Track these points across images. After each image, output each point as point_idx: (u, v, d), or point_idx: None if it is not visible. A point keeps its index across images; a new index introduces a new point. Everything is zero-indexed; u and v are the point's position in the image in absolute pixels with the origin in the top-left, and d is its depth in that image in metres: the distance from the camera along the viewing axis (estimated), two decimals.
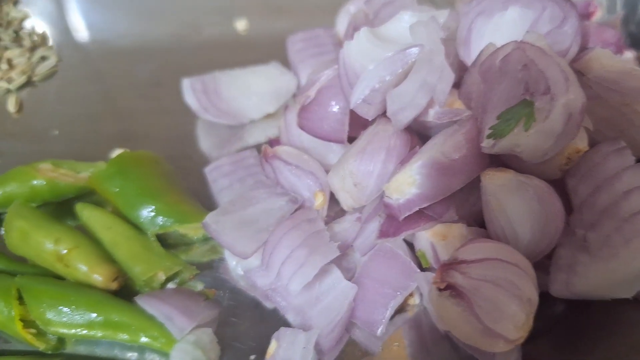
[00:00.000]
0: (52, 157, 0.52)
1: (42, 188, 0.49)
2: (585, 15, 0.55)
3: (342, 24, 0.58)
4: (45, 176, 0.49)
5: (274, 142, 0.52)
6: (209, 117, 0.54)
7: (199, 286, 0.47)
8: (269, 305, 0.46)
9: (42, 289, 0.44)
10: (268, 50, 0.61)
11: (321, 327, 0.43)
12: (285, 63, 0.59)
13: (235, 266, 0.47)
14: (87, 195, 0.51)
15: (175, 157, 0.54)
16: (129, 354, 0.44)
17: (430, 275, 0.41)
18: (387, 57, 0.42)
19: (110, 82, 0.59)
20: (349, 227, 0.47)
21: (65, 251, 0.45)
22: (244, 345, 0.44)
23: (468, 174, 0.41)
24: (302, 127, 0.48)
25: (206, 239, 0.49)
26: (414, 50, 0.42)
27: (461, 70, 0.47)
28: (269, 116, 0.55)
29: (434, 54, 0.42)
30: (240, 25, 0.63)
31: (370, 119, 0.44)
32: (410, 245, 0.45)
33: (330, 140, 0.48)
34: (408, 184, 0.41)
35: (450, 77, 0.43)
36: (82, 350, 0.44)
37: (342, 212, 0.48)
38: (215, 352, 0.43)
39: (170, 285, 0.46)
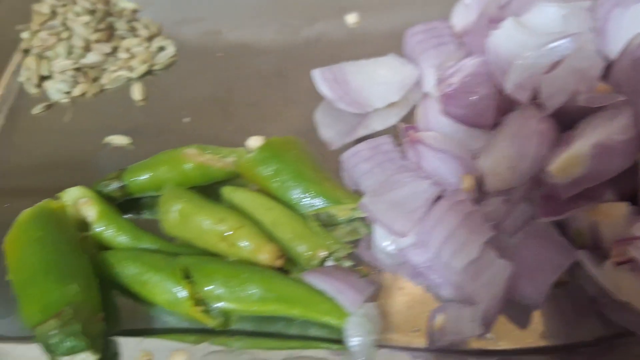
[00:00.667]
0: (187, 144, 0.53)
1: (192, 172, 0.50)
2: None
3: (458, 17, 0.61)
4: (194, 160, 0.50)
5: (409, 129, 0.54)
6: (342, 106, 0.55)
7: (348, 265, 0.48)
8: (415, 283, 0.48)
9: (212, 267, 0.45)
10: (380, 43, 0.63)
11: (483, 301, 0.45)
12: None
13: (385, 246, 0.49)
14: (230, 180, 0.52)
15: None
16: (292, 330, 0.45)
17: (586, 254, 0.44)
18: (542, 49, 0.45)
19: (233, 73, 0.60)
20: (496, 209, 0.49)
21: (230, 231, 0.46)
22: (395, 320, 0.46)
23: (631, 155, 0.43)
24: (447, 114, 0.50)
25: (350, 221, 0.51)
26: (568, 39, 0.45)
27: None
28: (391, 105, 0.57)
29: (585, 43, 0.45)
30: (351, 19, 0.64)
31: (524, 102, 0.47)
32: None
33: (476, 126, 0.50)
34: (575, 165, 0.43)
35: (599, 64, 0.46)
36: (247, 326, 0.46)
37: (483, 195, 0.50)
38: (381, 325, 0.45)
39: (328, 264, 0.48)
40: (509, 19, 0.47)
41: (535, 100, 0.47)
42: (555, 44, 0.45)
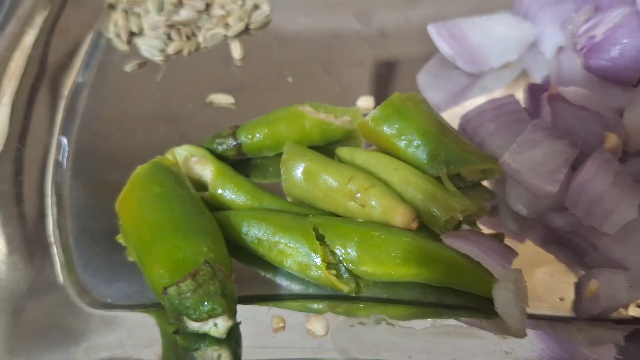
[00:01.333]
0: (293, 102, 0.50)
1: (312, 130, 0.47)
2: None
3: None
4: (313, 118, 0.47)
5: (536, 86, 0.51)
6: (460, 63, 0.52)
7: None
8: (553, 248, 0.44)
9: (347, 227, 0.42)
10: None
11: (635, 266, 0.41)
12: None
13: (520, 209, 0.45)
14: (345, 141, 0.49)
15: None
16: (429, 297, 0.42)
17: None
18: None
19: (331, 32, 0.57)
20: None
21: (360, 192, 0.42)
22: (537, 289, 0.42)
23: None
24: (588, 69, 0.47)
25: (477, 184, 0.47)
26: None
27: None
28: (505, 65, 0.54)
29: None
30: None
31: None
32: None
33: (620, 82, 0.47)
34: None
35: None
36: (381, 293, 0.42)
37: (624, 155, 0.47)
38: (526, 291, 0.41)
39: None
40: None
41: None
42: None
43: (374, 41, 0.57)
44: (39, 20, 0.55)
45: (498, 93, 0.53)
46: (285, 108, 0.47)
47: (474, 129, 0.50)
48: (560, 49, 0.49)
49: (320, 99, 0.50)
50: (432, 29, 0.53)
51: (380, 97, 0.52)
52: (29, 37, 0.54)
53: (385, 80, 0.55)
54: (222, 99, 0.51)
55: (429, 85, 0.55)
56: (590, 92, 0.48)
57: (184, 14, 0.56)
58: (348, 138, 0.49)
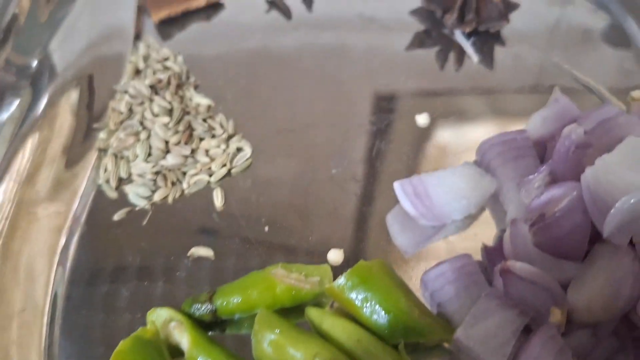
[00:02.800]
0: (267, 257, 0.54)
1: (282, 295, 0.51)
2: None
3: (535, 127, 0.61)
4: (283, 283, 0.51)
5: (492, 250, 0.55)
6: (423, 222, 0.56)
7: None
8: None
9: None
10: (452, 147, 0.63)
11: None
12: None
13: None
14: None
15: (383, 256, 0.56)
16: None
17: None
18: None
19: (308, 176, 0.61)
20: (582, 343, 0.49)
21: None
22: None
23: None
24: (538, 246, 0.51)
25: (437, 346, 0.51)
26: None
27: None
28: (468, 217, 0.58)
29: None
30: (422, 119, 0.65)
31: (624, 245, 0.47)
32: None
33: (567, 259, 0.50)
34: None
35: None
36: None
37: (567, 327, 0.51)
38: None
39: None
40: (602, 157, 0.47)
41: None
42: None
43: (348, 185, 0.60)
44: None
45: (459, 245, 0.57)
46: (258, 272, 0.51)
47: (435, 292, 0.54)
48: (513, 222, 0.53)
49: (295, 250, 0.55)
50: (397, 186, 0.57)
51: (351, 248, 0.56)
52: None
53: (357, 227, 0.59)
54: (203, 252, 0.55)
55: (396, 230, 0.59)
56: (540, 265, 0.52)
57: (171, 160, 0.60)
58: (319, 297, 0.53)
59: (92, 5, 0.74)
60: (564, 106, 0.60)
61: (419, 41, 0.75)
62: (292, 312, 0.52)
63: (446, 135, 0.65)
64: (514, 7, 0.70)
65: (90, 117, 0.64)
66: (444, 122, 0.65)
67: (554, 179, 0.55)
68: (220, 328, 0.52)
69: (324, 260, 0.55)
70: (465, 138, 0.64)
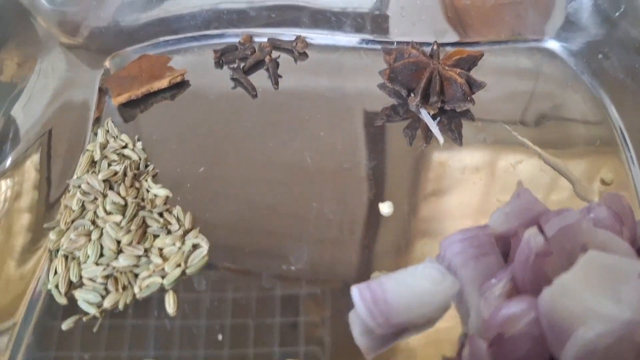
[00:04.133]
0: None
1: None
2: None
3: (496, 222, 0.59)
4: None
5: None
6: (380, 332, 0.54)
7: None
8: None
9: None
10: (415, 238, 0.61)
11: None
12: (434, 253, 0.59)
13: None
14: None
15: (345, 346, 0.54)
16: None
17: None
18: (602, 330, 0.43)
19: (267, 274, 0.59)
20: None
21: None
22: None
23: None
24: None
25: None
26: (628, 320, 0.43)
27: None
28: (430, 320, 0.56)
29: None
30: (385, 208, 0.63)
31: None
32: None
33: None
34: None
35: None
36: None
37: None
38: None
39: None
40: (561, 277, 0.45)
41: None
42: (616, 323, 0.43)
43: (309, 285, 0.58)
44: None
45: (419, 350, 0.55)
46: None
47: None
48: (471, 339, 0.51)
49: None
50: (355, 291, 0.55)
51: (311, 353, 0.54)
52: None
53: (318, 329, 0.57)
54: None
55: (358, 330, 0.57)
56: None
57: (123, 261, 0.58)
58: None
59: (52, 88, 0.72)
60: (527, 201, 0.58)
61: (387, 117, 0.73)
62: None
63: (411, 225, 0.63)
64: (480, 86, 0.69)
65: (42, 214, 0.62)
66: (408, 211, 0.63)
67: (515, 287, 0.53)
68: None
69: None
70: (430, 228, 0.62)
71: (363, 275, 0.58)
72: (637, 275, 0.44)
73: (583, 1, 0.77)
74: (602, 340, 0.42)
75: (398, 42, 0.77)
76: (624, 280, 0.45)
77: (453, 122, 0.72)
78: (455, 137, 0.71)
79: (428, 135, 0.71)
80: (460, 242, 0.58)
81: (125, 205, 0.61)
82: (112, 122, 0.70)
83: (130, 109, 0.72)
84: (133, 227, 0.59)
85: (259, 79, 0.75)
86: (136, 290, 0.57)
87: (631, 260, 0.47)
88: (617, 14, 0.74)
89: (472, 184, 0.65)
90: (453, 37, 0.78)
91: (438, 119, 0.70)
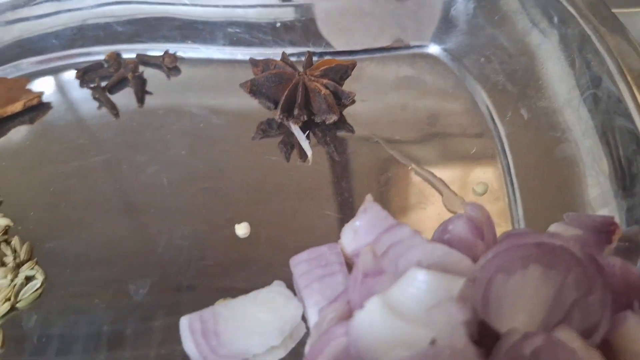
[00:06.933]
0: None
1: None
2: (606, 235, 0.52)
3: (347, 239, 0.56)
4: None
5: None
6: None
7: None
8: None
9: None
10: (270, 258, 0.58)
11: None
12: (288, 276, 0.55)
13: None
14: None
15: None
16: None
17: None
18: (407, 354, 0.39)
19: (102, 308, 0.55)
20: None
21: None
22: None
23: None
24: None
25: None
26: (435, 342, 0.40)
27: (480, 327, 0.44)
28: (274, 347, 0.52)
29: (455, 338, 0.40)
30: (241, 229, 0.59)
31: None
32: None
33: None
34: None
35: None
36: None
37: None
38: None
39: None
40: (373, 299, 0.41)
41: None
42: (423, 345, 0.39)
43: (152, 317, 0.54)
44: None
45: None
46: None
47: None
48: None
49: None
50: (184, 323, 0.51)
51: None
52: None
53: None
54: None
55: None
56: None
57: None
58: None
59: None
60: (375, 215, 0.54)
61: (262, 131, 0.69)
62: None
63: (267, 247, 0.59)
64: (348, 97, 0.65)
65: None
66: (267, 232, 0.59)
67: (350, 310, 0.49)
68: None
69: None
70: (288, 249, 0.58)
71: (209, 304, 0.54)
72: (451, 298, 0.41)
73: (464, 5, 0.74)
74: None
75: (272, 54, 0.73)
76: (438, 301, 0.41)
77: (328, 136, 0.68)
78: (331, 151, 0.67)
79: (304, 150, 0.67)
80: (307, 262, 0.54)
81: None
82: None
83: None
84: None
85: (126, 97, 0.71)
86: None
87: (453, 278, 0.43)
88: (496, 17, 0.71)
89: (340, 199, 0.61)
90: (330, 47, 0.75)
91: (308, 131, 0.67)
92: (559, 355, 0.37)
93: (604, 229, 0.51)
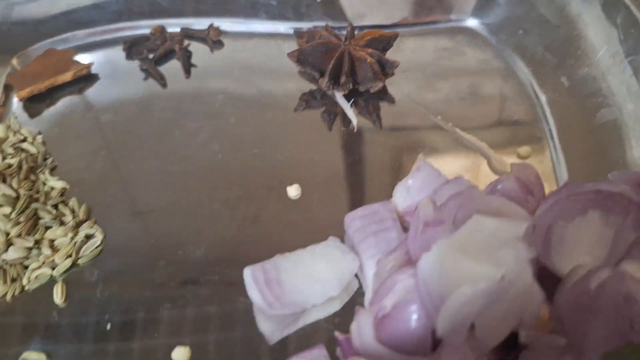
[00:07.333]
0: (107, 357, 0.50)
1: None
2: None
3: (400, 198, 0.57)
4: None
5: (344, 342, 0.50)
6: (273, 313, 0.51)
7: None
8: None
9: None
10: (323, 220, 0.59)
11: None
12: (341, 233, 0.57)
13: None
14: None
15: (237, 347, 0.52)
16: None
17: None
18: (477, 289, 0.40)
19: (162, 264, 0.56)
20: None
21: None
22: None
23: None
24: (380, 341, 0.46)
25: None
26: (504, 278, 0.41)
27: (541, 272, 0.45)
28: (330, 298, 0.53)
29: (522, 275, 0.41)
30: (293, 191, 0.61)
31: (459, 344, 0.42)
32: None
33: (412, 355, 0.46)
34: None
35: (539, 298, 0.41)
36: None
37: None
38: None
39: None
40: (440, 242, 0.43)
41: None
42: (492, 281, 0.41)
43: (204, 272, 0.56)
44: None
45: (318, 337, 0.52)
46: None
47: None
48: (358, 313, 0.48)
49: (135, 352, 0.51)
50: (247, 273, 0.52)
51: (200, 343, 0.52)
52: None
53: (213, 321, 0.54)
54: (35, 357, 0.51)
55: (262, 318, 0.54)
56: (388, 356, 0.47)
57: (12, 253, 0.55)
58: None
59: None
60: (427, 174, 0.56)
61: (305, 102, 0.71)
62: None
63: (319, 208, 0.60)
64: (392, 65, 0.67)
65: None
66: (316, 194, 0.61)
67: (409, 259, 0.50)
68: None
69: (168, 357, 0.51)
70: (340, 210, 0.59)
71: (266, 259, 0.55)
72: (517, 238, 0.42)
73: None
74: (475, 301, 0.40)
75: (315, 27, 0.75)
76: (504, 243, 0.42)
77: (371, 105, 0.70)
78: (374, 119, 0.69)
79: (347, 119, 0.69)
80: (360, 218, 0.55)
81: (18, 197, 0.58)
82: (16, 117, 0.68)
83: (36, 104, 0.70)
84: (22, 219, 0.57)
85: (173, 70, 0.73)
86: (25, 282, 0.55)
87: (516, 223, 0.44)
88: None
89: (388, 165, 0.63)
90: (371, 21, 0.76)
91: (352, 100, 0.68)
92: (626, 285, 0.38)
93: None
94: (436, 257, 0.43)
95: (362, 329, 0.47)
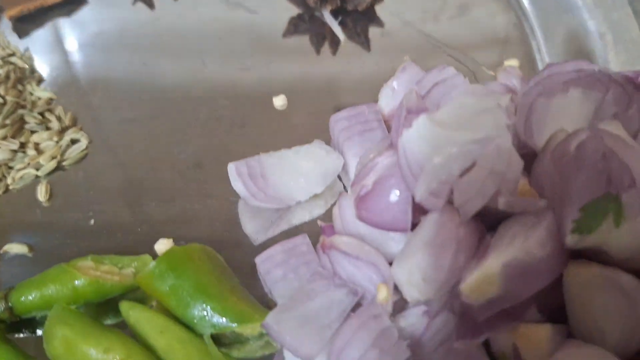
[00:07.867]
0: (90, 250, 0.50)
1: (85, 289, 0.46)
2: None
3: (385, 100, 0.57)
4: (87, 275, 0.46)
5: (327, 228, 0.50)
6: (256, 203, 0.51)
7: None
8: None
9: None
10: (308, 126, 0.59)
11: None
12: (327, 140, 0.57)
13: None
14: (131, 291, 0.48)
15: (222, 244, 0.52)
16: None
17: None
18: (454, 151, 0.40)
19: (147, 166, 0.56)
20: (415, 322, 0.44)
21: None
22: None
23: (552, 271, 0.39)
24: (361, 219, 0.46)
25: (261, 335, 0.46)
26: (481, 141, 0.41)
27: (522, 150, 0.45)
28: (315, 197, 0.53)
29: (501, 142, 0.41)
30: (279, 101, 0.60)
31: (438, 211, 0.42)
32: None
33: (392, 230, 0.46)
34: (489, 284, 0.38)
35: (519, 164, 0.41)
36: None
37: (403, 303, 0.46)
38: None
39: None
40: (422, 117, 0.43)
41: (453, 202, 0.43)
42: (467, 147, 0.41)
43: (190, 173, 0.56)
44: None
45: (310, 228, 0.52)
46: (59, 266, 0.47)
47: (264, 275, 0.49)
48: (341, 195, 0.48)
49: (120, 244, 0.51)
50: (231, 168, 0.52)
51: (185, 236, 0.53)
52: None
53: (198, 216, 0.54)
54: (18, 249, 0.51)
55: (244, 217, 0.54)
56: (368, 239, 0.47)
57: None
58: (136, 289, 0.48)
59: None
60: (412, 74, 0.56)
61: (294, 26, 0.71)
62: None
63: (306, 117, 0.60)
64: None
65: None
66: (301, 103, 0.61)
67: (391, 146, 0.50)
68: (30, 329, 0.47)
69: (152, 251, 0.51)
70: (323, 116, 0.59)
71: None
72: (498, 105, 0.42)
73: None
74: (453, 164, 0.40)
75: None
76: (484, 111, 0.42)
77: (359, 26, 0.70)
78: (362, 41, 0.69)
79: (335, 41, 0.68)
80: (347, 119, 0.55)
81: (5, 103, 0.58)
82: (4, 35, 0.68)
83: (26, 25, 0.70)
84: (8, 122, 0.57)
85: None
86: (9, 181, 0.55)
87: (500, 94, 0.44)
88: None
89: (374, 78, 0.62)
90: None
91: (339, 18, 0.68)
92: (604, 144, 0.38)
93: None
94: (417, 132, 0.42)
95: (344, 211, 0.48)
